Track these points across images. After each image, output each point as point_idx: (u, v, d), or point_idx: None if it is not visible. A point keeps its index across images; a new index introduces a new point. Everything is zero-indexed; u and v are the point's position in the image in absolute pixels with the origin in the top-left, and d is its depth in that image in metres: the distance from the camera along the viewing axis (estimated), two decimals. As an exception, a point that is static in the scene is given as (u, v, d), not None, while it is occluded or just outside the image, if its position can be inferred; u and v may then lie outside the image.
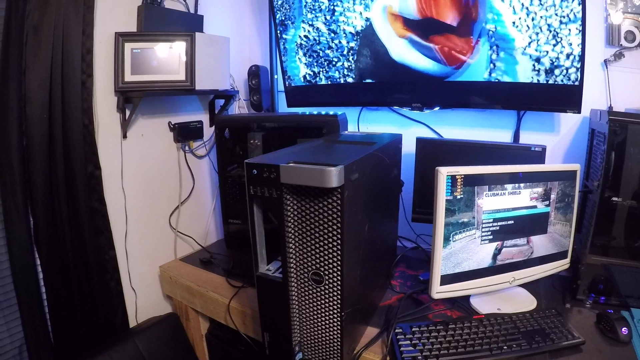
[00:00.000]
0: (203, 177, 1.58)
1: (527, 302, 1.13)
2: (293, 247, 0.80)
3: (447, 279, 1.04)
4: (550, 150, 1.19)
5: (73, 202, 1.14)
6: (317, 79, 1.51)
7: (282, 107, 1.66)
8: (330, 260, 0.78)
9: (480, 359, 0.92)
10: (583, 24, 1.11)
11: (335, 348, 0.88)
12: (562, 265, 1.17)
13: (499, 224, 1.07)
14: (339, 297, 0.81)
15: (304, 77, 1.54)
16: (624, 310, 1.07)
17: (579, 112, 1.18)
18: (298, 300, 0.85)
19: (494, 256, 1.09)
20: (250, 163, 0.76)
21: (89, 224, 1.16)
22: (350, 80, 1.47)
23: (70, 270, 1.15)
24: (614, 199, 1.06)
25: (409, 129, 1.49)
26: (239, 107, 1.66)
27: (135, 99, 1.25)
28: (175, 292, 1.35)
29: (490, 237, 1.07)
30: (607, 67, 1.21)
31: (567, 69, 1.17)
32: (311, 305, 0.85)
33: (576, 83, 1.16)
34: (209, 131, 1.54)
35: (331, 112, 1.34)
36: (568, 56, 1.16)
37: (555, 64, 1.18)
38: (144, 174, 1.34)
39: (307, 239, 0.79)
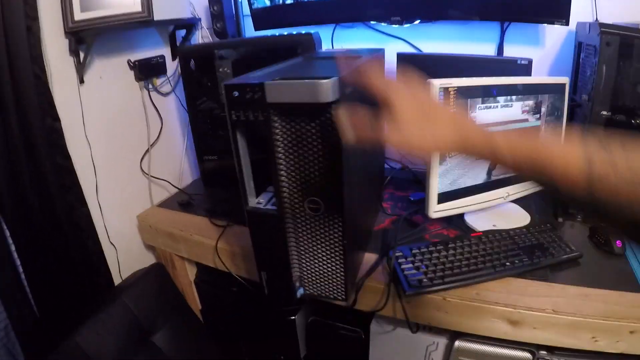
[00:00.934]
0: (171, 115, 1.45)
1: (521, 218, 1.12)
2: (285, 174, 0.73)
3: (443, 197, 1.00)
4: (535, 64, 1.14)
5: (34, 161, 1.01)
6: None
7: (249, 32, 1.50)
8: (329, 186, 0.71)
9: (484, 276, 0.91)
10: None
11: (339, 279, 0.84)
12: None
13: (495, 138, 1.02)
14: (340, 224, 0.75)
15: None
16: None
17: (567, 23, 1.11)
18: (295, 233, 0.79)
19: (489, 171, 1.06)
20: (231, 84, 0.66)
21: (55, 183, 1.03)
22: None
23: (42, 234, 1.04)
24: (603, 112, 1.02)
25: (387, 45, 1.38)
26: (203, 37, 1.50)
27: (88, 38, 1.08)
28: (157, 241, 1.27)
29: (486, 153, 1.03)
30: None
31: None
32: (309, 236, 0.79)
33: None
34: (172, 66, 1.39)
35: (303, 32, 1.22)
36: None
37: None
38: (108, 119, 1.20)
39: (300, 163, 0.71)
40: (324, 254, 0.81)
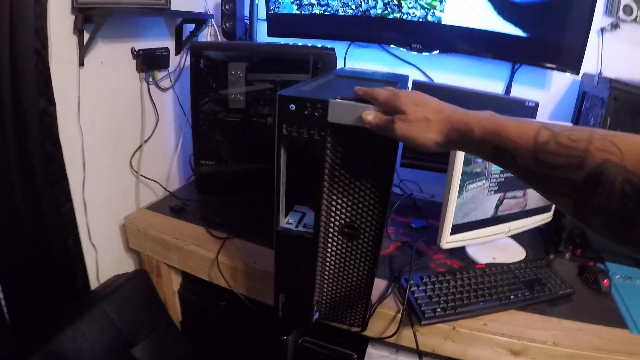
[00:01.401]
0: (167, 112, 1.36)
1: (517, 252, 1.17)
2: (327, 197, 0.70)
3: (456, 229, 1.02)
4: (540, 106, 1.21)
5: (24, 147, 0.91)
6: (311, 6, 1.33)
7: (260, 37, 1.46)
8: (370, 213, 0.70)
9: (491, 308, 0.93)
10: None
11: (360, 305, 0.82)
12: (546, 217, 1.21)
13: (505, 175, 1.06)
14: (372, 252, 0.74)
15: (296, 2, 1.35)
16: (599, 263, 1.16)
17: (578, 73, 1.20)
18: (323, 257, 0.76)
19: (496, 207, 1.09)
20: (288, 96, 0.62)
21: (43, 173, 0.93)
22: (350, 12, 1.32)
23: (23, 230, 0.94)
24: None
25: (398, 69, 1.40)
26: (210, 35, 1.44)
27: (97, 18, 0.98)
28: (144, 246, 1.18)
29: (496, 188, 1.07)
30: (602, 35, 1.24)
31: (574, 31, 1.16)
32: (338, 261, 0.77)
33: (580, 45, 1.17)
34: (174, 60, 1.31)
35: (319, 45, 1.21)
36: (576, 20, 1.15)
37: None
38: (104, 109, 1.10)
39: (345, 188, 0.69)
40: (350, 279, 0.79)
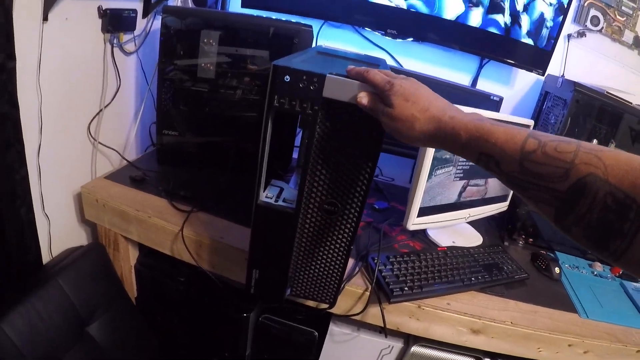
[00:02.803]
0: (129, 77, 1.27)
1: (475, 238, 1.23)
2: (311, 172, 0.69)
3: (422, 212, 1.05)
4: (503, 101, 1.27)
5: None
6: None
7: (233, 7, 1.40)
8: (353, 190, 0.70)
9: (455, 289, 0.98)
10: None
11: (333, 283, 0.83)
12: (502, 206, 1.28)
13: (470, 163, 1.11)
14: (350, 229, 0.75)
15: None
16: (549, 252, 1.25)
17: (543, 74, 1.27)
18: (301, 233, 0.76)
19: (460, 193, 1.14)
20: (284, 67, 0.60)
21: None
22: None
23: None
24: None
25: (368, 52, 1.41)
26: (180, 1, 1.35)
27: None
28: (102, 218, 1.11)
29: (462, 175, 1.11)
30: (568, 41, 1.33)
31: (546, 34, 1.23)
32: (315, 238, 0.77)
33: (549, 49, 1.24)
34: (140, 24, 1.23)
35: (294, 21, 1.19)
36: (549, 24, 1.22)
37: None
38: (65, 69, 1.00)
39: (330, 164, 0.68)
40: (325, 257, 0.79)
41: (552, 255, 1.22)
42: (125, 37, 1.19)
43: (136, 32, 1.23)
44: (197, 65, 1.17)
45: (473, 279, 1.01)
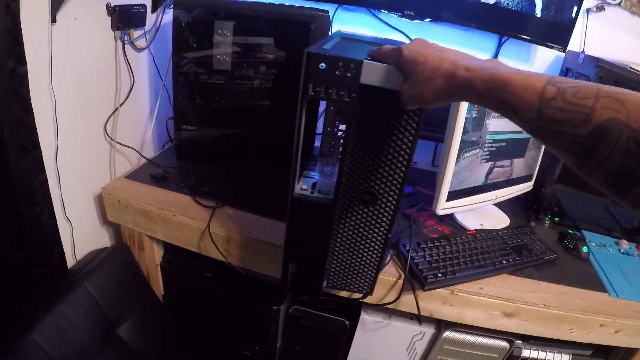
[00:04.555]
0: (142, 74, 1.25)
1: (502, 219, 1.21)
2: (349, 162, 0.68)
3: (451, 196, 1.04)
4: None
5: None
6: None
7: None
8: (390, 178, 0.69)
9: (487, 272, 0.97)
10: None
11: (370, 272, 0.82)
12: (528, 186, 1.26)
13: (496, 145, 1.09)
14: (389, 218, 0.73)
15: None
16: (576, 231, 1.22)
17: (565, 50, 1.24)
18: (337, 224, 0.75)
19: (487, 175, 1.12)
20: (319, 54, 0.58)
21: (12, 143, 0.82)
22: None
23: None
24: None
25: (385, 36, 1.38)
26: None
27: None
28: (124, 219, 1.10)
29: (488, 157, 1.09)
30: (587, 15, 1.28)
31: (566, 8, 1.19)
32: (353, 228, 0.76)
33: (569, 24, 1.21)
34: (150, 19, 1.20)
35: (307, 6, 1.16)
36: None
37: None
38: (77, 70, 0.98)
39: (367, 152, 0.67)
40: (362, 246, 0.78)
41: (579, 234, 1.20)
42: (135, 33, 1.16)
43: (147, 28, 1.21)
44: (212, 57, 1.14)
45: (504, 261, 1.00)
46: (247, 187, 1.18)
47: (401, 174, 0.68)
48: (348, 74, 0.59)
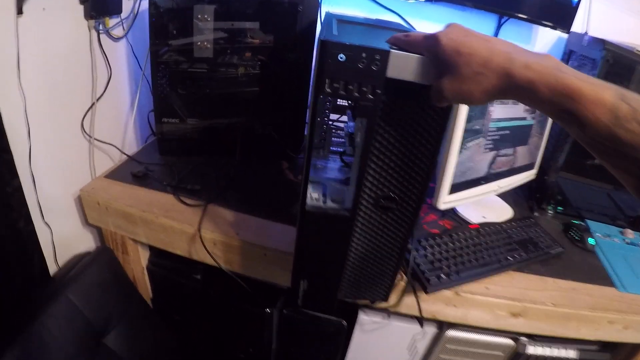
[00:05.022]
0: (120, 65, 1.15)
1: (504, 211, 1.17)
2: (367, 168, 0.60)
3: (453, 188, 0.98)
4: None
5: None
6: None
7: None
8: (412, 181, 0.62)
9: (492, 271, 0.92)
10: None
11: (386, 280, 0.76)
12: (530, 175, 1.21)
13: (500, 133, 1.04)
14: (409, 223, 0.67)
15: None
16: (579, 221, 1.19)
17: (569, 32, 1.18)
18: (354, 235, 0.68)
19: (490, 165, 1.06)
20: (338, 43, 0.49)
21: None
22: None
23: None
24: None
25: (376, 16, 1.29)
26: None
27: None
28: (106, 221, 1.02)
29: (491, 145, 1.03)
30: None
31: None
32: (370, 237, 0.69)
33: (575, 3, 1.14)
34: (127, 5, 1.10)
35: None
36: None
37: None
38: (49, 64, 0.88)
39: (389, 155, 0.59)
40: (378, 254, 0.71)
41: (584, 224, 1.16)
42: (111, 21, 1.06)
43: (123, 15, 1.10)
44: (193, 45, 1.06)
45: (510, 258, 0.95)
46: (234, 183, 1.10)
47: (423, 176, 0.61)
48: (373, 67, 0.50)
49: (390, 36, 0.54)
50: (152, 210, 0.97)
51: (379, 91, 0.51)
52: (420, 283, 0.85)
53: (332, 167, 0.93)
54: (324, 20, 0.77)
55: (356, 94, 0.51)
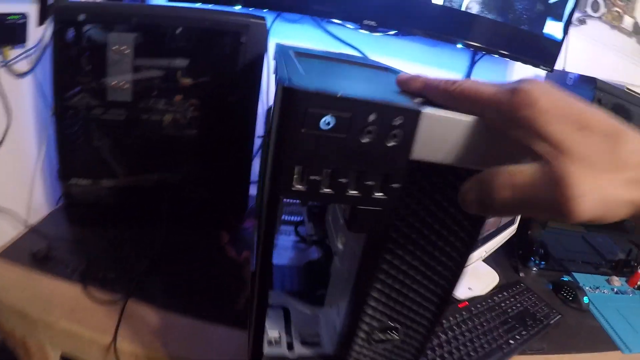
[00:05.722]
0: (24, 108, 0.88)
1: (490, 277, 1.04)
2: (377, 293, 0.39)
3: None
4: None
5: None
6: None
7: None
8: (424, 303, 0.42)
9: (498, 361, 0.77)
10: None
11: None
12: (512, 231, 1.09)
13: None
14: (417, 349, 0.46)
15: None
16: (567, 276, 1.11)
17: (552, 70, 1.09)
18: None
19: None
20: (319, 94, 0.26)
21: None
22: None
23: None
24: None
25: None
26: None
27: None
28: (-1, 318, 0.76)
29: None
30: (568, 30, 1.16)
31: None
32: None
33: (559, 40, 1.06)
34: (36, 33, 0.85)
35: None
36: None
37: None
38: None
39: (399, 276, 0.39)
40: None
41: (573, 281, 1.07)
42: (13, 52, 0.82)
43: (29, 45, 0.86)
44: (106, 85, 0.83)
45: (512, 341, 0.81)
46: (160, 265, 0.84)
47: (443, 296, 0.42)
48: (388, 142, 0.28)
49: (395, 79, 0.33)
50: (51, 310, 0.71)
51: (396, 185, 0.30)
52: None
53: (284, 246, 0.73)
54: (277, 54, 0.56)
55: (354, 194, 0.29)
